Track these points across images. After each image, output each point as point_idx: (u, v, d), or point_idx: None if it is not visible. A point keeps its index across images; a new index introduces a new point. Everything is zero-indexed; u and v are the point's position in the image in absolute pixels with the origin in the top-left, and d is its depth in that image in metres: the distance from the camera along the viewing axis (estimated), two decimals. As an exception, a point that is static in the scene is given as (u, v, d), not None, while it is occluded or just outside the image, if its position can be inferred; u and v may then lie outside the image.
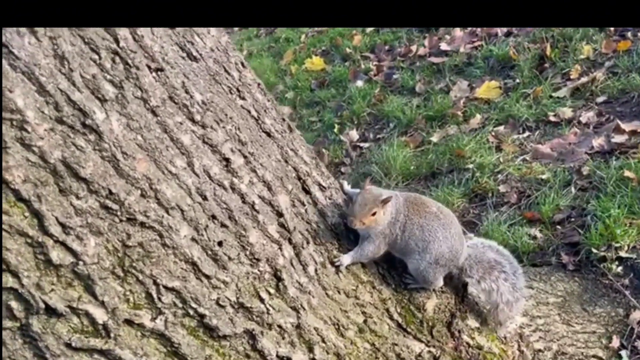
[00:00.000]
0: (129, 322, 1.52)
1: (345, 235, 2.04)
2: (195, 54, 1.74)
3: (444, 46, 5.62)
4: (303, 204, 1.93)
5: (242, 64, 1.95)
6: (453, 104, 4.87)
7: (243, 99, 1.86)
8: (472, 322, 2.31)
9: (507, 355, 2.38)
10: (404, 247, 2.03)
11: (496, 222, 3.44)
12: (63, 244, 1.43)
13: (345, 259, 1.97)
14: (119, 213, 1.49)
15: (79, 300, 1.46)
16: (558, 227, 3.27)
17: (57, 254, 1.42)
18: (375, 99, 5.46)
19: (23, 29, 1.37)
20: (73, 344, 1.46)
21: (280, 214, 1.83)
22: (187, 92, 1.66)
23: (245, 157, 1.77)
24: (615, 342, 2.57)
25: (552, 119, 4.22)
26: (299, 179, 1.96)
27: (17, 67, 1.36)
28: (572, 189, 3.47)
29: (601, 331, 2.61)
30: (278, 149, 1.93)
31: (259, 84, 2.00)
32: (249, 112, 1.87)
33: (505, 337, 2.39)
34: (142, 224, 1.53)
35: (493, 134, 4.35)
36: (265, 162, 1.84)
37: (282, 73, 6.77)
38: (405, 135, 4.88)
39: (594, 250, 2.95)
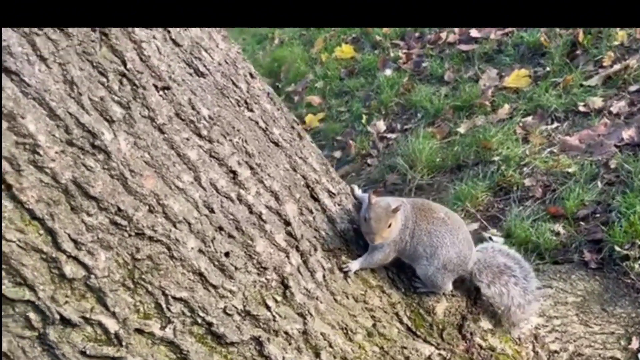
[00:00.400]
0: (139, 331, 1.61)
1: (354, 241, 2.08)
2: (202, 69, 1.79)
3: (474, 33, 5.52)
4: (311, 212, 1.97)
5: (251, 74, 2.00)
6: (482, 93, 4.80)
7: (251, 110, 1.91)
8: (485, 324, 2.33)
9: (521, 356, 2.39)
10: (412, 253, 2.06)
11: (519, 218, 3.41)
12: (75, 259, 1.51)
13: (354, 265, 2.01)
14: (127, 228, 1.57)
15: (92, 311, 1.55)
16: (582, 223, 3.23)
17: (70, 268, 1.51)
18: (404, 88, 5.42)
19: (34, 57, 1.44)
20: (87, 352, 1.55)
21: (287, 223, 1.88)
22: (193, 108, 1.71)
23: (252, 168, 1.82)
24: (635, 344, 2.54)
25: (581, 109, 4.12)
26: (308, 186, 2.01)
27: (29, 93, 1.43)
28: (599, 184, 3.41)
29: (620, 332, 2.59)
30: (286, 158, 1.97)
31: (268, 94, 2.05)
32: (257, 123, 1.92)
33: (519, 338, 2.40)
34: (151, 238, 1.60)
35: (521, 125, 4.28)
36: (273, 172, 1.89)
37: (313, 61, 6.77)
38: (432, 125, 4.85)
39: (617, 248, 2.91)
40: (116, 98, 1.57)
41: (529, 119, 4.30)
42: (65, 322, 1.53)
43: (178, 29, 1.75)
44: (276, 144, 1.96)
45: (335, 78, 6.16)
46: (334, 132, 5.35)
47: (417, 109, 5.11)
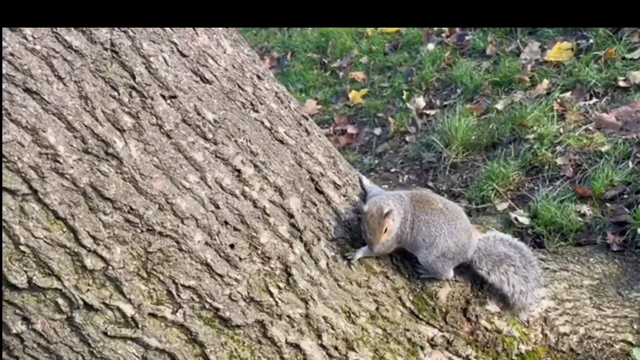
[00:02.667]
0: (153, 315, 1.82)
1: (358, 229, 2.21)
2: (208, 76, 1.94)
3: (518, 3, 5.38)
4: (315, 204, 2.11)
5: (259, 76, 2.13)
6: (522, 67, 4.73)
7: (256, 111, 2.05)
8: (493, 307, 2.42)
9: (529, 339, 2.47)
10: (412, 243, 2.18)
11: (547, 198, 3.42)
12: (95, 253, 1.73)
13: (357, 253, 2.15)
14: (140, 225, 1.77)
15: (111, 298, 1.77)
16: (608, 204, 3.21)
17: (90, 261, 1.73)
18: (445, 62, 5.40)
19: (52, 77, 1.64)
20: (109, 333, 1.78)
21: (291, 215, 2.04)
22: (199, 113, 1.88)
23: (256, 166, 1.98)
24: (649, 328, 2.57)
25: (621, 84, 4.01)
26: (312, 180, 2.14)
27: (49, 110, 1.64)
28: (630, 163, 3.35)
29: (634, 316, 2.61)
30: (291, 154, 2.11)
31: (276, 93, 2.18)
32: (262, 123, 2.06)
33: (528, 321, 2.48)
34: (161, 233, 1.80)
35: (558, 101, 4.22)
36: (277, 168, 2.04)
37: (359, 36, 6.79)
38: (471, 102, 4.84)
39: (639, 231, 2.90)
40: (126, 109, 1.75)
41: (568, 94, 4.22)
42: (89, 307, 1.76)
43: (185, 40, 1.90)
44: (281, 142, 2.10)
45: (379, 53, 6.18)
46: (375, 109, 5.41)
47: (457, 85, 5.09)
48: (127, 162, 1.74)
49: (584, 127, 3.88)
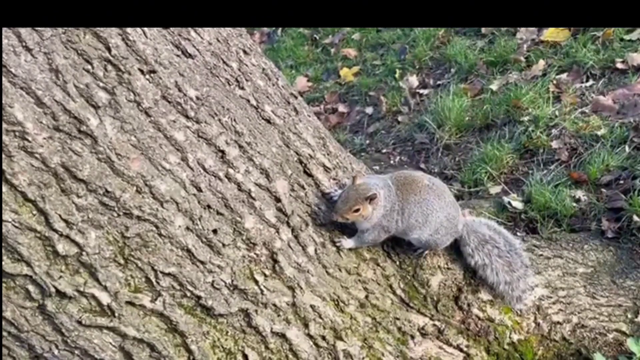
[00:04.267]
0: (130, 303, 1.72)
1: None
2: (191, 50, 1.82)
3: (514, -20, 5.24)
4: (303, 188, 2.01)
5: (245, 50, 2.01)
6: (517, 47, 4.63)
7: (242, 88, 1.93)
8: (485, 295, 2.35)
9: (521, 327, 2.41)
10: (405, 227, 2.08)
11: (541, 182, 3.34)
12: (67, 237, 1.62)
13: (347, 242, 2.05)
14: (116, 208, 1.66)
15: (85, 285, 1.67)
16: (604, 190, 3.13)
17: (62, 246, 1.62)
18: (439, 41, 5.28)
19: (19, 48, 1.51)
20: (83, 322, 1.68)
21: (278, 199, 1.93)
22: (180, 90, 1.76)
23: (241, 147, 1.87)
24: (643, 317, 2.51)
25: (619, 65, 3.92)
26: (301, 162, 2.04)
27: (16, 83, 1.51)
28: (627, 148, 3.28)
29: (628, 305, 2.55)
30: (279, 135, 2.00)
31: (263, 69, 2.06)
32: (248, 101, 1.94)
33: (520, 310, 2.41)
34: (139, 217, 1.69)
35: (554, 82, 4.12)
36: (264, 150, 1.93)
37: (351, 11, 6.61)
38: (465, 82, 4.73)
39: (636, 218, 2.82)
40: (101, 84, 1.62)
41: (564, 76, 4.13)
42: (61, 294, 1.65)
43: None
44: (268, 121, 1.99)
45: (372, 30, 6.04)
46: (367, 87, 5.28)
47: (451, 64, 4.98)
48: (102, 141, 1.62)
49: (580, 109, 3.79)
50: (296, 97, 2.17)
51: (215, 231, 1.81)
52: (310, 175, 2.06)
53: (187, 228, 1.76)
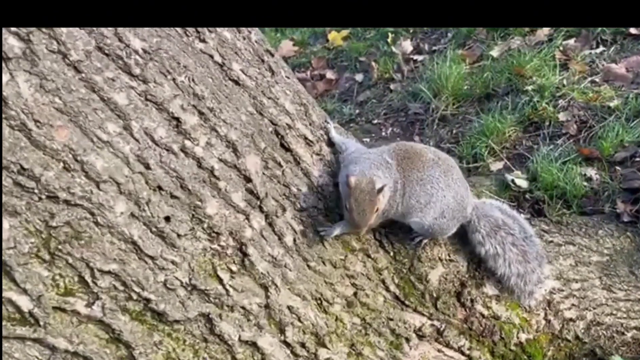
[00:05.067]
0: (60, 309, 1.37)
1: (334, 197, 1.77)
2: (136, -11, 1.43)
3: None
4: (280, 165, 1.66)
5: (209, -6, 1.62)
6: (520, 10, 4.25)
7: (203, 41, 1.56)
8: (490, 289, 2.03)
9: (530, 325, 2.10)
10: (404, 209, 1.74)
11: (548, 158, 3.01)
12: (-28, 228, 1.26)
13: (333, 230, 1.71)
14: (36, 191, 1.29)
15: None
16: (618, 168, 2.81)
17: (-35, 239, 1.26)
18: (435, 2, 4.88)
19: None
20: (-2, 332, 1.33)
21: (248, 179, 1.58)
22: (121, 39, 1.38)
23: (201, 114, 1.50)
24: (666, 313, 2.22)
25: (632, 30, 3.59)
26: (277, 134, 1.68)
27: None
28: (643, 122, 2.95)
29: (649, 299, 2.26)
30: (250, 99, 1.64)
31: (231, 19, 1.68)
32: (212, 57, 1.57)
33: (529, 306, 2.10)
34: (67, 202, 1.33)
35: (561, 49, 3.77)
36: (231, 118, 1.56)
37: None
38: (463, 47, 4.37)
39: (656, 200, 2.52)
40: (12, 29, 1.24)
41: (571, 42, 3.79)
42: (-33, 299, 1.30)
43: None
44: (236, 82, 1.62)
45: (361, -9, 5.62)
46: (357, 53, 4.89)
47: (448, 28, 4.60)
48: (15, 103, 1.24)
49: (589, 79, 3.46)
50: (272, 55, 1.79)
51: (168, 218, 1.45)
52: (288, 149, 1.70)
53: (132, 215, 1.40)
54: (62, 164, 1.31)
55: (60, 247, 1.34)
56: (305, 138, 1.75)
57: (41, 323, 1.36)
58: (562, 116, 3.30)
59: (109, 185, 1.37)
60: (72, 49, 1.30)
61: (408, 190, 1.72)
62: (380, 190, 1.58)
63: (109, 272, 1.40)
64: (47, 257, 1.34)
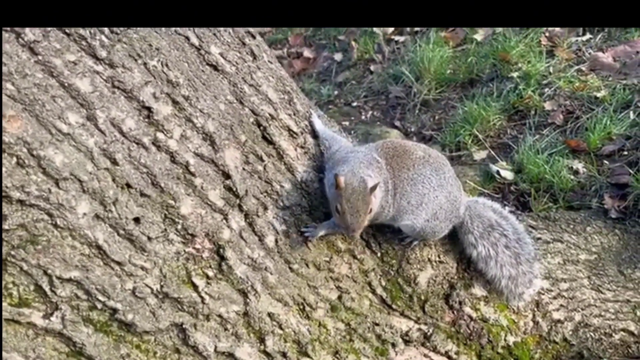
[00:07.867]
0: (13, 321, 1.22)
1: (319, 194, 1.63)
2: (103, -41, 1.26)
3: None
4: (261, 159, 1.51)
5: (185, -32, 1.45)
6: (505, -7, 4.13)
7: (179, 20, 1.39)
8: (479, 290, 1.94)
9: (518, 327, 2.02)
10: (395, 212, 1.62)
11: (534, 149, 2.92)
12: None
13: (318, 230, 1.57)
14: (-16, 190, 1.13)
15: (-60, 299, 1.15)
16: (606, 161, 2.74)
17: None
18: (417, -19, 4.72)
19: None
20: (-60, 349, 1.17)
21: (226, 175, 1.43)
22: (85, 17, 1.21)
23: (176, 103, 1.34)
24: (654, 314, 2.16)
25: (621, 19, 3.48)
26: (259, 125, 1.53)
27: None
28: (631, 114, 2.88)
29: (637, 300, 2.20)
30: (229, 87, 1.48)
31: (210, -4, 1.51)
32: (188, 39, 1.41)
33: (518, 307, 2.02)
34: (21, 202, 1.17)
35: (547, 35, 3.67)
36: (208, 107, 1.41)
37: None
38: (447, 29, 4.23)
39: (645, 196, 2.45)
40: (-45, 1, 1.06)
41: (557, 28, 3.67)
42: None
43: None
44: (214, 68, 1.46)
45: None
46: (336, 31, 4.72)
47: (437, 17, 4.45)
48: (-41, 89, 1.07)
49: (576, 67, 3.36)
50: (254, 37, 1.63)
51: (137, 220, 1.30)
52: (270, 142, 1.55)
53: (97, 216, 1.25)
54: (15, 159, 1.15)
55: (13, 252, 1.18)
56: (289, 129, 1.61)
57: (-9, 337, 1.21)
58: (548, 105, 3.21)
59: (70, 183, 1.21)
60: (26, 28, 1.13)
61: (400, 189, 1.61)
62: (373, 189, 1.45)
63: (69, 280, 1.25)
64: (-3, 264, 1.18)
